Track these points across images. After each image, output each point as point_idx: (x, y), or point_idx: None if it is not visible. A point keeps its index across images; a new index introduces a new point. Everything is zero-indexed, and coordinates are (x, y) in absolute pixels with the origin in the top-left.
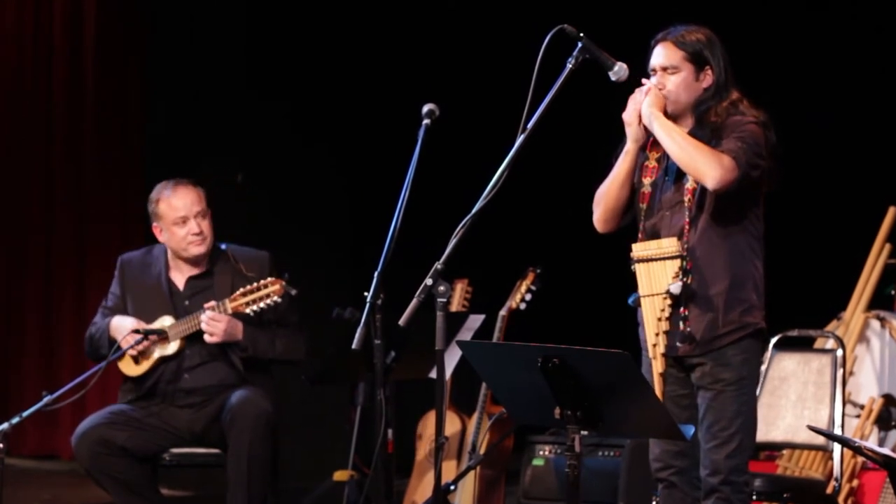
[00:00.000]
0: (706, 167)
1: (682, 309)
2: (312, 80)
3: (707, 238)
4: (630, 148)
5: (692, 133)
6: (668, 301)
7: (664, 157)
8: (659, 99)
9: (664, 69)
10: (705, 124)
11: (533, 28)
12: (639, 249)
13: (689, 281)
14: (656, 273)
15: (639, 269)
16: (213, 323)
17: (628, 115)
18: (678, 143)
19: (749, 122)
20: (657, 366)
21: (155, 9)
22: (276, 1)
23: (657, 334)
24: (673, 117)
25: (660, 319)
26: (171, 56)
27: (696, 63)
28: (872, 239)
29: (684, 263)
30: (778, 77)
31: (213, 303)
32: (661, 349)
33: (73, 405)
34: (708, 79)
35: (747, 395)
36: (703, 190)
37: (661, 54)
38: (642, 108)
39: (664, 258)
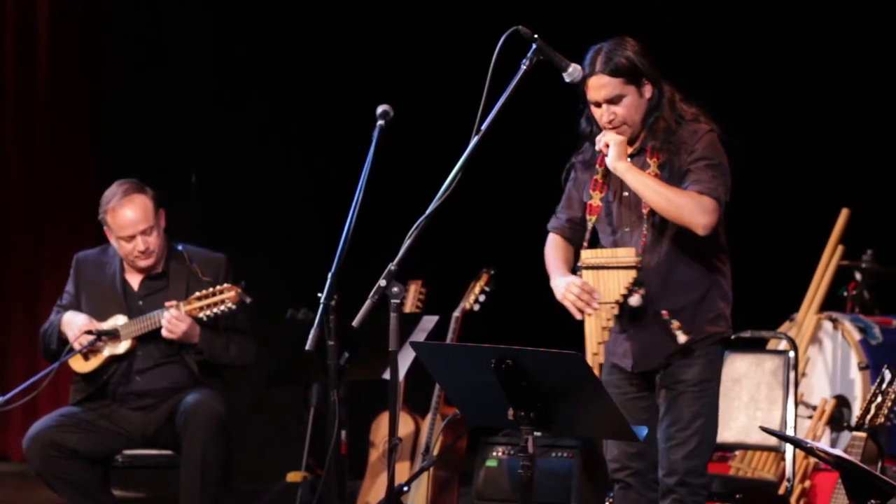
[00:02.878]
0: (692, 216)
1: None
2: (269, 81)
3: (673, 253)
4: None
5: (655, 148)
6: (615, 311)
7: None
8: (621, 148)
9: (609, 101)
10: (658, 133)
11: (487, 29)
12: (589, 256)
13: (642, 293)
14: (607, 282)
15: (586, 275)
16: (176, 322)
17: (565, 303)
18: (660, 195)
19: (706, 134)
20: (595, 367)
21: (112, 9)
22: (232, 0)
23: (599, 343)
24: (633, 140)
25: (604, 329)
26: (126, 56)
27: (634, 82)
28: (825, 240)
29: (640, 276)
30: (725, 79)
31: (174, 301)
32: (601, 359)
33: (25, 406)
34: (648, 90)
35: (709, 398)
36: (663, 223)
37: (601, 87)
38: (608, 163)
39: (618, 267)
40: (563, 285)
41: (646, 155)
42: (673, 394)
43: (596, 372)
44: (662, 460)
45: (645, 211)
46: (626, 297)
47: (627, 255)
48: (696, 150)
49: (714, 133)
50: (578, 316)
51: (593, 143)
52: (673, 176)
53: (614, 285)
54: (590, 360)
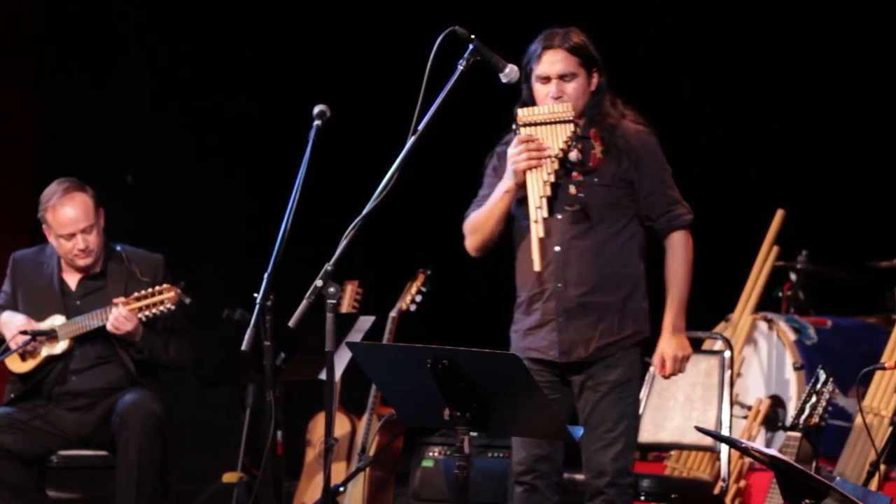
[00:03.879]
0: (690, 252)
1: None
2: (205, 81)
3: (603, 248)
4: (511, 188)
5: (598, 134)
6: (556, 165)
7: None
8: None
9: (561, 77)
10: (601, 123)
11: (424, 29)
12: (526, 113)
13: (580, 148)
14: (546, 137)
15: (524, 132)
16: (122, 320)
17: (519, 164)
18: (688, 283)
19: (650, 137)
20: (538, 230)
21: (49, 5)
22: (167, 1)
23: (542, 197)
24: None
25: (545, 183)
26: (63, 54)
27: (586, 67)
28: (760, 241)
29: (577, 130)
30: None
31: (122, 298)
32: (544, 213)
33: None
34: (595, 80)
35: (632, 398)
36: (595, 202)
37: (557, 62)
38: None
39: (556, 122)
40: (510, 153)
41: (591, 139)
42: (597, 395)
43: (541, 227)
44: (588, 462)
45: (570, 209)
46: (565, 151)
47: (564, 110)
48: (650, 162)
49: (655, 137)
50: (533, 165)
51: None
52: (619, 170)
53: (553, 139)
54: (533, 213)
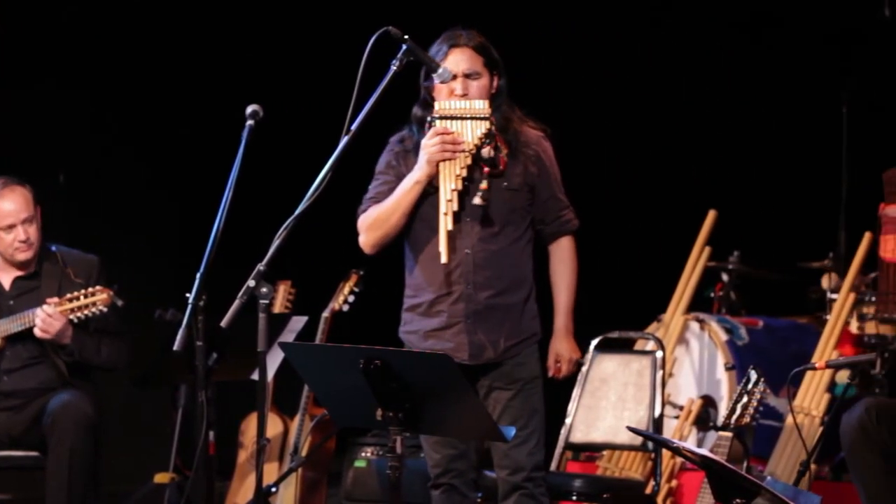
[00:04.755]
0: (576, 257)
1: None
2: (138, 80)
3: (509, 252)
4: (422, 179)
5: (502, 137)
6: (469, 161)
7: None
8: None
9: (467, 75)
10: (506, 129)
11: (358, 29)
12: (443, 106)
13: (493, 146)
14: (461, 131)
15: (440, 125)
16: (50, 321)
17: (434, 155)
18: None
19: (546, 141)
20: (448, 223)
21: None
22: (102, 2)
23: (453, 190)
24: None
25: (458, 176)
26: None
27: (489, 68)
28: (692, 242)
29: (492, 128)
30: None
31: (55, 298)
32: (454, 206)
33: None
34: (496, 81)
35: (540, 394)
36: (502, 206)
37: (465, 60)
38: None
39: (472, 118)
40: (424, 143)
41: (496, 140)
42: (509, 393)
43: (450, 220)
44: (503, 459)
45: (478, 202)
46: (479, 147)
47: (482, 107)
48: (549, 167)
49: (551, 141)
50: (447, 157)
51: (421, 128)
52: (525, 175)
53: (468, 135)
54: (443, 206)
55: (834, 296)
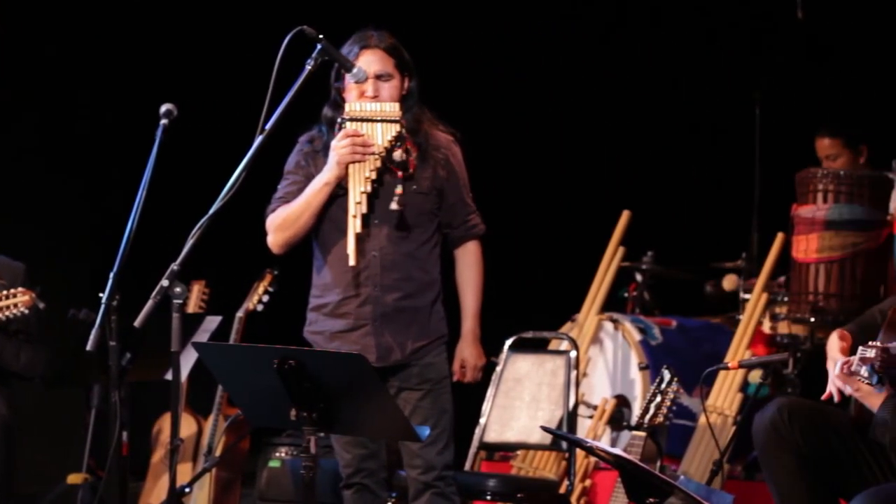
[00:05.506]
0: (483, 261)
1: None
2: (47, 80)
3: (417, 254)
4: (331, 181)
5: (412, 140)
6: (378, 164)
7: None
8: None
9: (378, 77)
10: (416, 132)
11: (274, 28)
12: (354, 108)
13: (404, 149)
14: (371, 134)
15: (350, 127)
16: None
17: (344, 157)
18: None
19: (456, 145)
20: (356, 225)
21: None
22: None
23: (363, 192)
24: None
25: (367, 179)
26: None
27: (400, 69)
28: (606, 242)
29: (402, 131)
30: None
31: None
32: (363, 208)
33: None
34: (406, 83)
35: (449, 394)
36: (412, 209)
37: (376, 62)
38: None
39: (382, 120)
40: (334, 145)
41: (406, 143)
42: (419, 393)
43: (359, 223)
44: (414, 459)
45: (396, 207)
46: (389, 150)
47: (392, 109)
48: (458, 171)
49: (458, 144)
50: (357, 160)
51: (332, 128)
52: (435, 179)
53: (378, 137)
54: (352, 208)
55: (747, 296)
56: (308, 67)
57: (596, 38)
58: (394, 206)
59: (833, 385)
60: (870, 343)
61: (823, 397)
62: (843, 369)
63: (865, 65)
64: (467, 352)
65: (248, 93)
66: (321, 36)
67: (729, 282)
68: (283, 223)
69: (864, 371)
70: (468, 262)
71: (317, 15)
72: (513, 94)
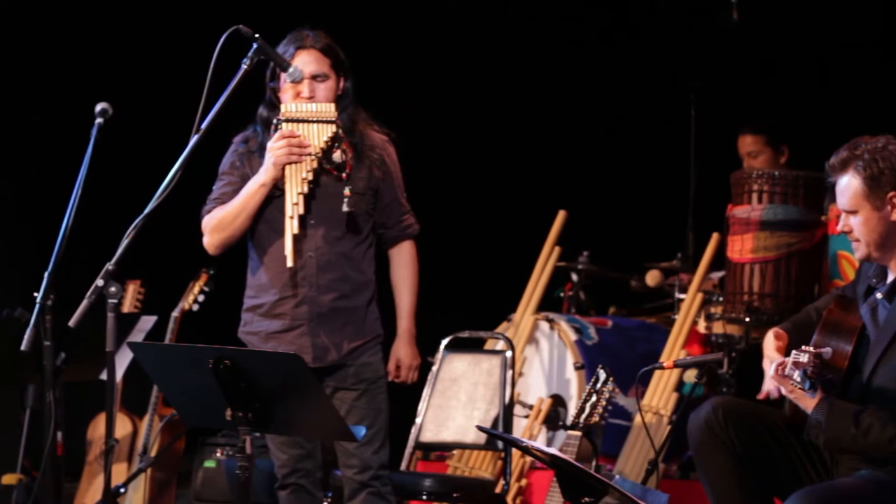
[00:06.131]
0: (417, 261)
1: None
2: None
3: (353, 255)
4: (268, 182)
5: (348, 140)
6: (315, 164)
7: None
8: None
9: (314, 77)
10: (352, 132)
11: (210, 27)
12: (289, 109)
13: (343, 149)
14: (308, 135)
15: (286, 128)
16: None
17: (280, 158)
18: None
19: (391, 146)
20: (293, 226)
21: None
22: None
23: (300, 193)
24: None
25: (304, 180)
26: None
27: (336, 69)
28: (542, 242)
29: (339, 131)
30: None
31: None
32: (300, 209)
33: None
34: (342, 83)
35: (384, 394)
36: (354, 210)
37: (312, 62)
38: None
39: (318, 121)
40: (270, 146)
41: (342, 143)
42: (354, 393)
43: (297, 224)
44: (350, 459)
45: (347, 209)
46: (325, 151)
47: (328, 110)
48: (393, 171)
49: (393, 145)
50: (294, 161)
51: (267, 129)
52: (370, 179)
53: (315, 138)
54: (289, 209)
55: (682, 296)
56: (244, 66)
57: (530, 38)
58: (344, 208)
59: (769, 384)
60: (803, 347)
61: (759, 396)
62: (778, 370)
63: (797, 67)
64: (403, 351)
65: (183, 92)
66: (257, 35)
67: (652, 278)
68: (218, 224)
69: (796, 375)
70: (403, 261)
71: (253, 14)
72: (448, 94)
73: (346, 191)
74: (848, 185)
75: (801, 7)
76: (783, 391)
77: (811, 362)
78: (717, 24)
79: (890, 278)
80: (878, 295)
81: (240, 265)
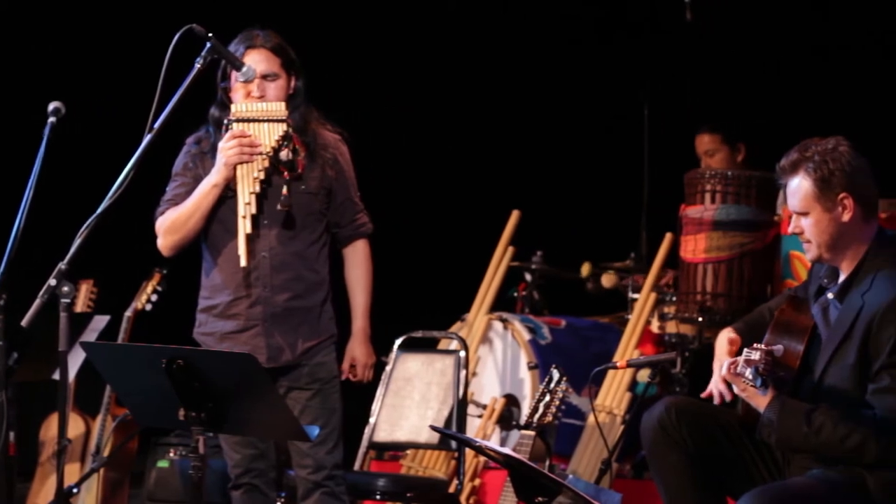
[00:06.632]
0: (371, 260)
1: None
2: None
3: (307, 254)
4: (220, 182)
5: (300, 139)
6: (266, 163)
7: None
8: None
9: (264, 77)
10: (304, 131)
11: (163, 26)
12: (239, 109)
13: (291, 148)
14: (258, 134)
15: (237, 128)
16: None
17: (231, 158)
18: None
19: (344, 145)
20: (246, 226)
21: None
22: None
23: (252, 193)
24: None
25: (255, 179)
26: None
27: (286, 68)
28: (496, 242)
29: (289, 130)
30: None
31: None
32: (252, 209)
33: None
34: (293, 81)
35: (338, 394)
36: (301, 209)
37: (262, 61)
38: None
39: (269, 120)
40: (221, 146)
41: (294, 142)
42: (308, 393)
43: (249, 223)
44: (303, 459)
45: (281, 208)
46: (276, 150)
47: (278, 109)
48: (346, 170)
49: (346, 144)
50: (245, 160)
51: (219, 129)
52: (323, 178)
53: (265, 137)
54: (241, 209)
55: (635, 295)
56: (197, 66)
57: (484, 37)
58: (279, 207)
59: (715, 386)
60: (755, 345)
61: (703, 395)
62: (730, 369)
63: (750, 67)
64: (358, 350)
65: (137, 91)
66: (210, 34)
67: (608, 279)
68: (172, 226)
69: (748, 373)
70: (357, 261)
71: (206, 13)
72: (401, 94)
73: (284, 189)
74: (799, 187)
75: (756, 6)
76: (735, 390)
77: (763, 360)
78: (670, 22)
79: (841, 279)
80: (830, 295)
81: (193, 264)
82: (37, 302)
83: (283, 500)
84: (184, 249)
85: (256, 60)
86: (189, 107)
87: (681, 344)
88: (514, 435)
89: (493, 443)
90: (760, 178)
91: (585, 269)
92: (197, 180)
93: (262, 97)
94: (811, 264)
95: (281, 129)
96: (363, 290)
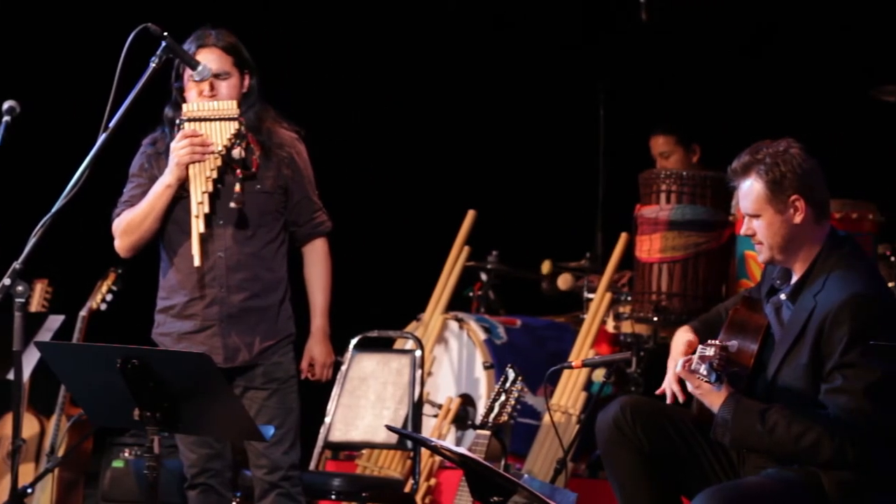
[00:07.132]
0: (330, 258)
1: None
2: None
3: (263, 254)
4: (173, 183)
5: (255, 138)
6: (219, 162)
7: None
8: None
9: (216, 76)
10: (258, 130)
11: (118, 25)
12: (191, 108)
13: (244, 146)
14: (210, 133)
15: (188, 127)
16: None
17: (183, 158)
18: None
19: (301, 143)
20: (199, 225)
21: None
22: None
23: (204, 192)
24: None
25: (208, 178)
26: None
27: (239, 67)
28: (451, 241)
29: (241, 128)
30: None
31: None
32: (205, 208)
33: None
34: (247, 80)
35: (295, 394)
36: (256, 209)
37: (214, 60)
38: None
39: (220, 119)
40: (173, 147)
41: (247, 141)
42: (265, 393)
43: (201, 225)
44: (259, 459)
45: (235, 206)
46: (229, 149)
47: (229, 107)
48: (303, 169)
49: (304, 143)
50: (197, 160)
51: (172, 130)
52: (279, 177)
53: (217, 136)
54: (194, 209)
55: (591, 295)
56: (152, 65)
57: (439, 37)
58: (232, 204)
59: (668, 385)
60: (709, 342)
61: (657, 392)
62: (685, 367)
63: (705, 68)
64: (317, 349)
65: (92, 90)
66: (166, 34)
67: (564, 281)
68: (127, 227)
69: (703, 369)
70: (315, 259)
71: (162, 12)
72: (357, 92)
73: (237, 186)
74: (750, 190)
75: (711, 7)
76: (690, 388)
77: (717, 355)
78: (626, 22)
79: (794, 280)
80: (783, 296)
81: (149, 264)
82: None
83: (238, 500)
84: (141, 250)
85: (208, 59)
86: (148, 107)
87: (636, 344)
88: (470, 434)
89: (449, 442)
90: (715, 179)
91: (545, 267)
92: (153, 181)
93: (214, 96)
94: (764, 265)
95: (233, 127)
96: (322, 288)
